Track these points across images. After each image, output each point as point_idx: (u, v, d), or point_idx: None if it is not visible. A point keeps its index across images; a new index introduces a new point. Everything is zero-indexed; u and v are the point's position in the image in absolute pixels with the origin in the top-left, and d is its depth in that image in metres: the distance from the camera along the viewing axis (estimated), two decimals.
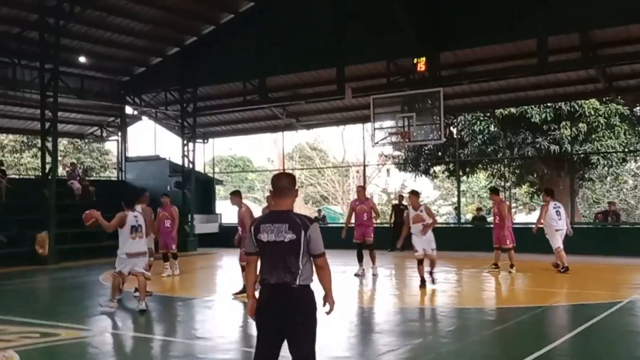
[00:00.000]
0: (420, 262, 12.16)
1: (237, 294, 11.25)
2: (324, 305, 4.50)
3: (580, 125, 23.24)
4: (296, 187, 4.64)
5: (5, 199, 19.94)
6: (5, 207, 19.52)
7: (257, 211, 23.47)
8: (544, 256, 15.15)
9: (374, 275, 14.16)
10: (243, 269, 11.15)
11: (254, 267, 4.53)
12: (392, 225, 21.74)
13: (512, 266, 14.36)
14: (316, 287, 4.48)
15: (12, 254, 17.80)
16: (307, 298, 4.35)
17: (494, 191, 15.78)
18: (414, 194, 12.75)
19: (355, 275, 14.35)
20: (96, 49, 21.71)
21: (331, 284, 4.53)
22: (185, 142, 24.36)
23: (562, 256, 14.14)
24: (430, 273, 12.43)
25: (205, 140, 27.39)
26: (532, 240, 15.27)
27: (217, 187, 28.05)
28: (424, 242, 12.10)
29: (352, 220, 14.56)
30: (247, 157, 49.63)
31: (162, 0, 19.56)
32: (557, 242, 14.21)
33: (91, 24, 20.07)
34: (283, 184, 4.52)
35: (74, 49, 21.13)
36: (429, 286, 12.03)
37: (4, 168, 22.98)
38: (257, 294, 4.56)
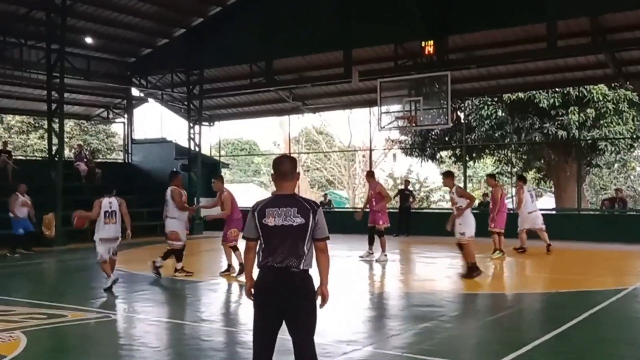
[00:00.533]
0: (459, 247, 11.67)
1: (224, 272, 12.07)
2: (316, 297, 4.40)
3: (589, 110, 23.08)
4: (297, 170, 4.58)
5: (11, 180, 19.98)
6: (12, 189, 19.55)
7: (258, 195, 23.40)
8: (552, 242, 15.10)
9: (377, 261, 14.12)
10: (234, 249, 11.83)
11: (254, 253, 4.43)
12: (398, 210, 21.74)
13: (495, 250, 14.41)
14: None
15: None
16: (309, 282, 4.33)
17: (490, 176, 15.97)
18: (445, 175, 12.04)
19: (360, 257, 14.45)
20: (102, 30, 21.64)
21: (328, 271, 4.49)
22: (191, 124, 24.34)
23: (523, 239, 15.18)
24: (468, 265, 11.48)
25: (212, 123, 27.37)
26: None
27: (223, 171, 28.04)
28: (457, 226, 11.45)
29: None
30: (253, 141, 49.60)
31: None
32: (524, 224, 15.13)
33: (98, 4, 20.00)
34: (286, 168, 4.44)
35: (81, 30, 21.07)
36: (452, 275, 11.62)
37: (10, 149, 23.05)
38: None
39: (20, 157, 27.40)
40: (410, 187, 24.44)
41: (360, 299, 10.10)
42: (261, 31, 20.73)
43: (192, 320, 8.43)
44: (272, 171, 4.55)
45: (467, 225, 11.33)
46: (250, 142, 49.22)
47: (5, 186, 19.14)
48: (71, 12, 19.41)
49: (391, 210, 20.92)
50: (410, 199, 22.26)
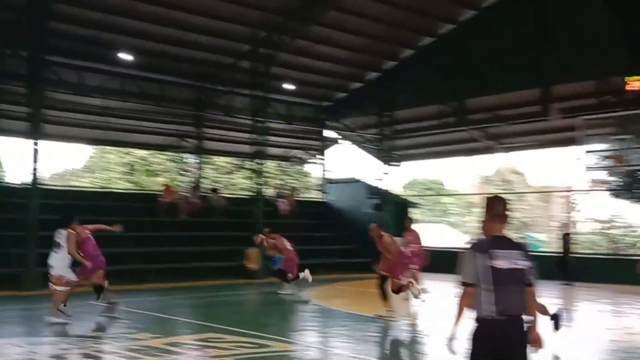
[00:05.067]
0: None
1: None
2: (531, 340, 4.13)
3: None
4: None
5: (219, 216, 21.67)
6: (220, 224, 21.19)
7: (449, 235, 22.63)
8: None
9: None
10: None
11: (471, 300, 4.09)
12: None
13: None
14: None
15: (224, 267, 19.24)
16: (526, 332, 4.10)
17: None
18: None
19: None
20: (301, 76, 22.90)
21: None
22: (382, 164, 24.74)
23: None
24: None
25: (402, 163, 27.58)
26: None
27: (413, 210, 28.02)
28: None
29: None
30: (442, 181, 49.10)
31: (362, 29, 20.24)
32: None
33: (297, 53, 21.24)
34: (501, 209, 4.26)
35: (282, 77, 22.46)
36: None
37: (217, 187, 25.02)
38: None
39: (227, 195, 29.52)
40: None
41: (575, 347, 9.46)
42: (453, 71, 20.71)
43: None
44: (485, 211, 4.32)
45: None
46: (438, 181, 48.80)
47: (216, 222, 20.89)
48: (274, 61, 20.80)
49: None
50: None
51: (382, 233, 11.93)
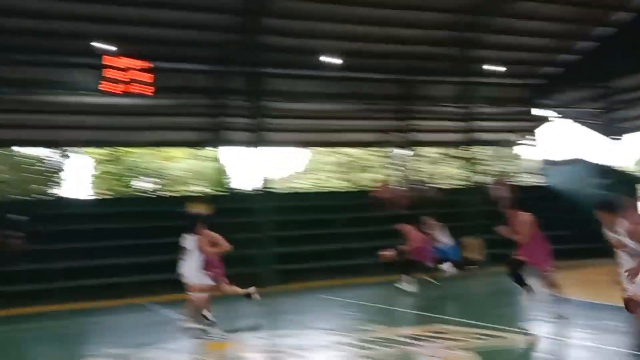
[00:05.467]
0: None
1: None
2: None
3: None
4: None
5: (434, 208, 21.52)
6: (435, 216, 21.01)
7: None
8: None
9: None
10: None
11: None
12: None
13: None
14: None
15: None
16: None
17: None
18: None
19: None
20: (506, 56, 21.98)
21: None
22: (606, 140, 22.90)
23: None
24: None
25: (629, 136, 25.28)
26: None
27: None
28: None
29: None
30: None
31: None
32: None
33: (501, 32, 20.46)
34: None
35: (486, 59, 21.74)
36: None
37: (429, 178, 24.89)
38: None
39: (439, 186, 29.26)
40: None
41: None
42: None
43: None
44: None
45: None
46: None
47: (431, 214, 20.76)
48: (477, 43, 20.21)
49: None
50: None
51: (519, 211, 10.75)
